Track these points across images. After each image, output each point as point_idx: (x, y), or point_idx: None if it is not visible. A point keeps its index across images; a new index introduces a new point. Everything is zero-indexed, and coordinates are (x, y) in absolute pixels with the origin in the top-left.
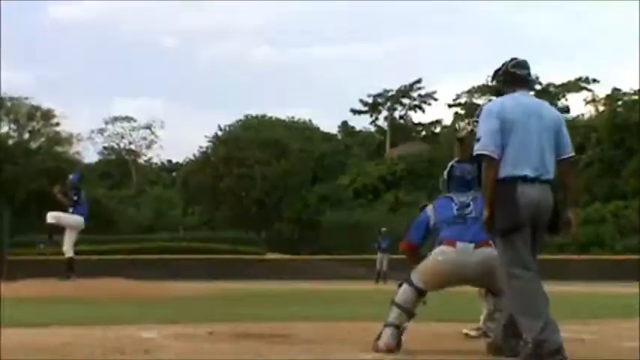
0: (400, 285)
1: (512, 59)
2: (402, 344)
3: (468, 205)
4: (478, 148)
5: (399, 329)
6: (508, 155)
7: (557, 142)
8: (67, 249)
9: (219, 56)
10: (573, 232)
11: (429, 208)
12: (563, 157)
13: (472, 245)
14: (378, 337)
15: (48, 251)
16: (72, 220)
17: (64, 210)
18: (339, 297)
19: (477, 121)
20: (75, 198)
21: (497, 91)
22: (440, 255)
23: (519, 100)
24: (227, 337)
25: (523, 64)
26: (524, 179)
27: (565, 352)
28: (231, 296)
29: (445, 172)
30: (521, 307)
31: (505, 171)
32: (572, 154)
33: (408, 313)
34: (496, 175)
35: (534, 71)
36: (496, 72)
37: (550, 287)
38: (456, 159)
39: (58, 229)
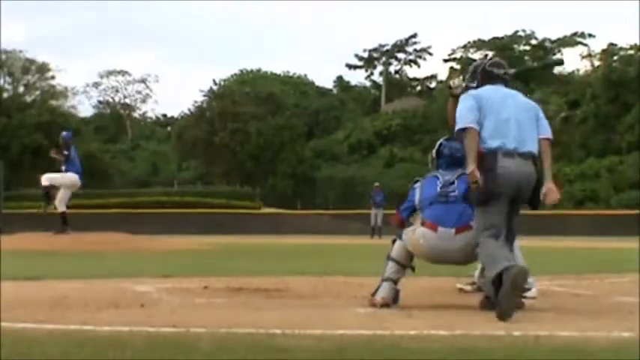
0: (394, 241)
1: (490, 58)
2: (399, 299)
3: (452, 183)
4: (459, 124)
5: (396, 284)
6: (486, 130)
7: (537, 124)
8: (59, 204)
9: (214, 10)
10: (556, 198)
11: (418, 186)
12: (540, 137)
13: (453, 231)
14: (375, 292)
15: (43, 208)
16: (67, 179)
17: (59, 169)
18: (334, 252)
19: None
20: (66, 153)
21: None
22: (421, 239)
23: (496, 88)
24: (222, 292)
25: (500, 64)
26: (504, 152)
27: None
28: (226, 251)
29: (434, 150)
30: (490, 268)
31: (484, 144)
32: (549, 135)
33: (405, 267)
34: (478, 144)
35: (530, 26)
36: (475, 68)
37: (546, 242)
38: (445, 137)
39: (55, 191)
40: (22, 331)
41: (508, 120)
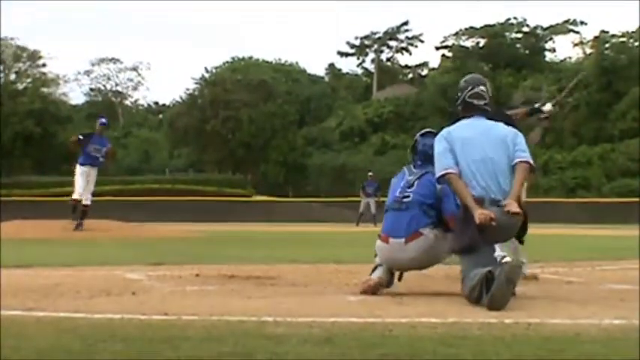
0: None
1: (471, 89)
2: (393, 283)
3: (411, 186)
4: (437, 171)
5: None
6: (467, 176)
7: (512, 152)
8: (86, 195)
9: None
10: (514, 210)
11: (394, 182)
12: (516, 160)
13: (403, 241)
14: (372, 273)
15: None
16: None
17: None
18: (326, 239)
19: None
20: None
21: (456, 117)
22: (377, 249)
23: (472, 123)
24: (213, 279)
25: (480, 95)
26: (490, 200)
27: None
28: (218, 238)
29: (411, 145)
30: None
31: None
32: (527, 158)
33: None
34: (464, 185)
35: (521, 14)
36: (456, 99)
37: (538, 230)
38: (422, 132)
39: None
40: (12, 318)
41: (483, 160)
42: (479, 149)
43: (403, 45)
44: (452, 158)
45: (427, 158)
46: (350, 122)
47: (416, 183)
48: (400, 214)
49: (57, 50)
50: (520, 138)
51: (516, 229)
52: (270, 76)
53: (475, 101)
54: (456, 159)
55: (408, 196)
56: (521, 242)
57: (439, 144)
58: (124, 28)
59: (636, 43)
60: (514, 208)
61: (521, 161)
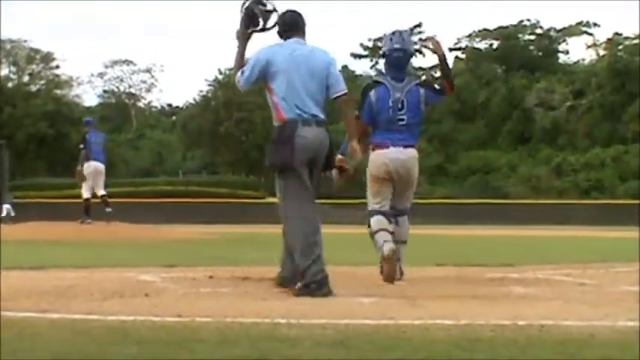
0: (368, 224)
1: (286, 11)
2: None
3: (402, 108)
4: (243, 80)
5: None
6: (284, 99)
7: (327, 84)
8: (84, 193)
9: None
10: (359, 158)
11: (372, 94)
12: (335, 95)
13: (402, 146)
14: (381, 251)
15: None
16: (88, 173)
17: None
18: (339, 241)
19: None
20: (81, 147)
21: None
22: (377, 157)
23: (290, 47)
24: (227, 281)
25: (294, 17)
26: (304, 120)
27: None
28: (231, 240)
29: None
30: (295, 243)
31: (284, 115)
32: (343, 90)
33: (387, 230)
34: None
35: (535, 15)
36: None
37: (552, 232)
38: (392, 32)
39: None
40: (26, 320)
41: (301, 89)
42: (298, 82)
43: (416, 47)
44: (254, 78)
45: (394, 66)
46: None
47: (405, 104)
48: (396, 133)
49: (70, 52)
50: (333, 67)
51: (327, 148)
52: None
53: (293, 23)
54: (270, 80)
55: (402, 119)
56: (328, 169)
57: (256, 62)
58: (137, 31)
59: None
60: (356, 155)
61: (340, 95)
